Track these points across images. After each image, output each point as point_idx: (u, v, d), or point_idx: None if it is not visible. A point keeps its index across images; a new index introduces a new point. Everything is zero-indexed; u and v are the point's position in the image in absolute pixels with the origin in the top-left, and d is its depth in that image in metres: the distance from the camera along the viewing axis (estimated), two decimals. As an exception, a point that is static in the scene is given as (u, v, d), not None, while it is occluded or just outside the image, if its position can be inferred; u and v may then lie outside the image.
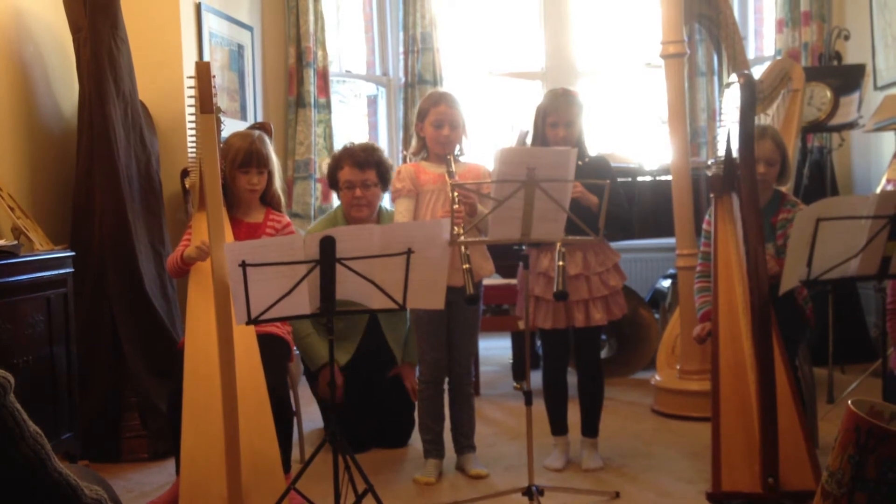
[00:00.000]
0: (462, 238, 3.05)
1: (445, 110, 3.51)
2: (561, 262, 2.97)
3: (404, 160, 6.18)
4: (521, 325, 3.91)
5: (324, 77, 5.98)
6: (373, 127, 6.66)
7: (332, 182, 3.99)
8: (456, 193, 3.19)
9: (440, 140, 3.51)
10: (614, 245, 3.71)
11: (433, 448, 3.63)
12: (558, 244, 3.02)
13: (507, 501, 3.23)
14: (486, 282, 4.01)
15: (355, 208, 3.88)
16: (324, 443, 2.76)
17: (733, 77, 3.14)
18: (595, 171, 3.49)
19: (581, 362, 3.71)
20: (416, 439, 3.91)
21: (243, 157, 3.44)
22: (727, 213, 3.40)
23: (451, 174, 3.39)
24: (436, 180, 3.53)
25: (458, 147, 3.57)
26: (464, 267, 3.03)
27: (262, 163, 3.48)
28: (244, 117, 5.41)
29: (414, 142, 3.67)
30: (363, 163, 3.85)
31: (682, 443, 3.91)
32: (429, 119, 3.53)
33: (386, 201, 4.16)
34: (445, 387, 3.68)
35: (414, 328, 3.74)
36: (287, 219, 3.63)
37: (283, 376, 3.38)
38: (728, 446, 2.99)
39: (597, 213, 3.23)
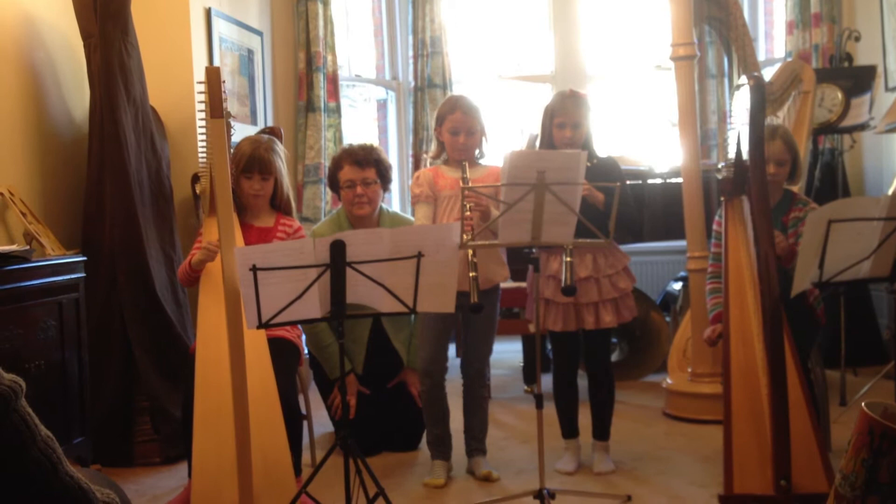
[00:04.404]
0: (472, 242, 3.05)
1: (461, 117, 3.53)
2: (568, 258, 2.98)
3: (415, 164, 6.19)
4: (532, 328, 3.90)
5: (333, 81, 5.99)
6: (382, 131, 6.67)
7: (333, 183, 4.01)
8: (467, 201, 3.20)
9: (457, 147, 3.54)
10: (625, 248, 3.71)
11: (437, 449, 3.63)
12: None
13: (519, 505, 3.23)
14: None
15: (357, 206, 3.89)
16: (335, 446, 2.76)
17: (743, 79, 3.13)
18: (604, 172, 3.49)
19: (591, 365, 3.70)
20: (426, 442, 3.90)
21: (246, 163, 3.48)
22: (738, 215, 3.39)
23: (464, 180, 3.39)
24: (453, 185, 3.54)
25: (477, 151, 3.59)
26: (470, 275, 3.01)
27: (264, 169, 3.50)
28: (254, 122, 5.42)
29: (434, 145, 3.70)
30: (363, 161, 3.88)
31: (693, 446, 3.89)
32: (445, 126, 3.56)
33: (395, 205, 4.16)
34: (450, 389, 3.68)
35: (419, 328, 3.75)
36: (298, 223, 3.65)
37: (292, 380, 3.39)
38: (740, 449, 2.98)
39: (603, 212, 3.23)
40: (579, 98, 3.57)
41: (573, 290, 2.98)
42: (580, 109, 3.53)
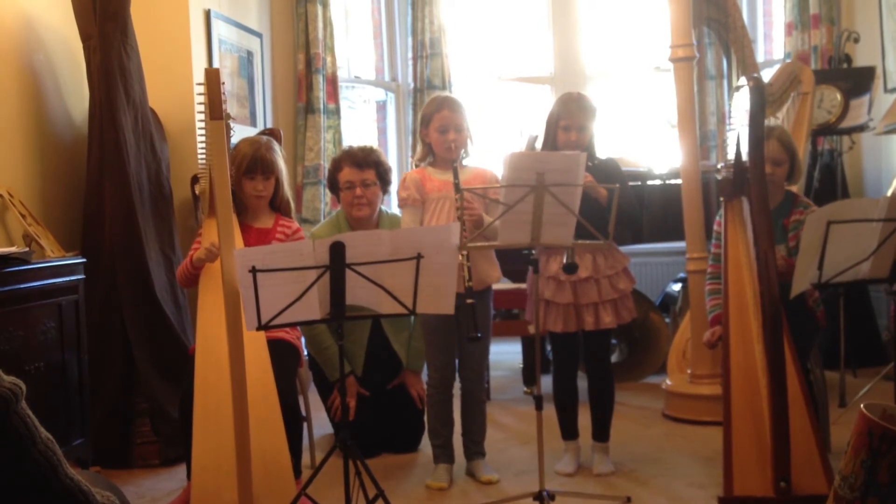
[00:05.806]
0: (472, 244, 3.05)
1: (449, 115, 3.52)
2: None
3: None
4: (531, 329, 3.90)
5: (333, 83, 5.99)
6: (382, 132, 6.67)
7: (333, 185, 4.02)
8: (461, 209, 3.19)
9: (446, 144, 3.52)
10: (624, 249, 3.71)
11: (443, 453, 3.62)
12: None
13: (518, 506, 3.23)
14: (495, 286, 4.01)
15: (356, 208, 3.90)
16: (334, 448, 2.76)
17: (743, 80, 3.14)
18: (604, 173, 3.50)
19: (591, 366, 3.70)
20: (426, 444, 3.91)
21: (248, 164, 3.47)
22: (737, 216, 3.39)
23: (456, 187, 3.37)
24: (441, 188, 3.53)
25: (462, 151, 3.58)
26: (467, 301, 3.02)
27: (267, 169, 3.49)
28: (254, 123, 5.42)
29: (419, 148, 3.68)
30: (362, 162, 3.89)
31: (693, 447, 3.90)
32: (433, 125, 3.54)
33: (394, 206, 4.16)
34: (456, 392, 3.68)
35: (422, 332, 3.74)
36: (297, 224, 3.65)
37: (292, 381, 3.38)
38: (740, 450, 2.98)
39: (605, 207, 3.23)
40: (585, 101, 3.56)
41: (574, 266, 3.00)
42: (585, 113, 3.53)
